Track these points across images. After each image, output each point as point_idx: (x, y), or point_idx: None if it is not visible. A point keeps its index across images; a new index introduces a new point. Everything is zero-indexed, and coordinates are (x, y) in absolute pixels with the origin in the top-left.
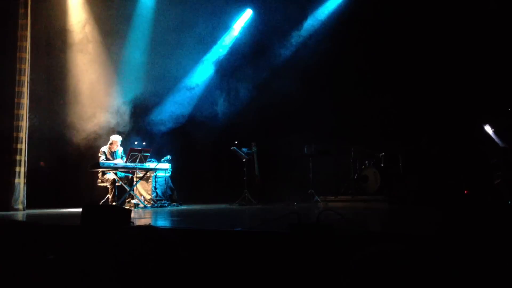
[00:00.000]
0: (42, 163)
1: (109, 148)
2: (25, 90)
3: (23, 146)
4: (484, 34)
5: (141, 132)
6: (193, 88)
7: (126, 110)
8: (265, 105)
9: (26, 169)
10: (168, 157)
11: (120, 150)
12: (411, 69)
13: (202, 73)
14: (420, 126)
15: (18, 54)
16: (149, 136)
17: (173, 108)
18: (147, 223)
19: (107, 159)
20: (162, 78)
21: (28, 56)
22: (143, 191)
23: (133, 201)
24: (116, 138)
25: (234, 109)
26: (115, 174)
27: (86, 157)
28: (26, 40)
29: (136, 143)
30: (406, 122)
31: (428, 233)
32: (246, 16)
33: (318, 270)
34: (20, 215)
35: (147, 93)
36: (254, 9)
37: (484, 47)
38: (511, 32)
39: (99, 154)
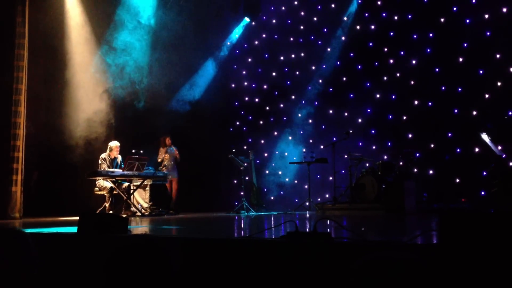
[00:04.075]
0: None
1: (109, 154)
2: (22, 98)
3: (20, 154)
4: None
5: (139, 139)
6: (192, 94)
7: (124, 117)
8: (263, 112)
9: (23, 177)
10: None
11: (119, 158)
12: (410, 75)
13: (201, 78)
14: (418, 134)
15: (15, 62)
16: (146, 144)
17: (172, 115)
18: (144, 232)
19: (108, 166)
20: (161, 84)
21: (25, 64)
22: (140, 199)
23: (130, 209)
24: (116, 144)
25: (231, 117)
26: (113, 182)
27: (83, 165)
28: (24, 48)
29: (133, 151)
30: (403, 130)
31: (426, 242)
32: (243, 24)
33: (316, 278)
34: (17, 223)
35: (147, 98)
36: (251, 17)
37: (484, 52)
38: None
39: (100, 162)
